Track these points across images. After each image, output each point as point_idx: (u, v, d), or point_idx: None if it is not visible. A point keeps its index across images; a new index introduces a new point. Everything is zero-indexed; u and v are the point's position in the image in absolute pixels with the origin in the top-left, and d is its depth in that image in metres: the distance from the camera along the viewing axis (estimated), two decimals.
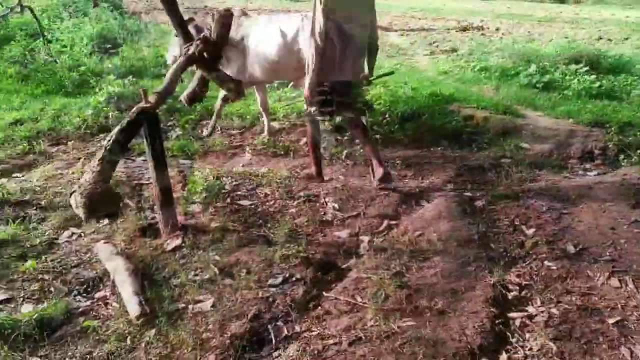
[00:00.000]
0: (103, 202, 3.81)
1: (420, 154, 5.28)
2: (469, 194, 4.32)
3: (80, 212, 3.84)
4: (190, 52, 4.00)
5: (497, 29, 14.17)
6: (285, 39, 5.00)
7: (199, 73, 4.77)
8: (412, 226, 3.79)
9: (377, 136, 5.62)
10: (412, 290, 3.05)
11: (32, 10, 8.06)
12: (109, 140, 3.59)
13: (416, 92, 6.31)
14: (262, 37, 5.09)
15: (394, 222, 3.91)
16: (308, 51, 4.19)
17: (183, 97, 4.84)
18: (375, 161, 4.43)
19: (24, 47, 8.56)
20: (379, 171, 4.39)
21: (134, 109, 3.54)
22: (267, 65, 5.07)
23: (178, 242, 3.57)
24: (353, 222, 3.94)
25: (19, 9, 8.50)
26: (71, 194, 3.87)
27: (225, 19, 4.26)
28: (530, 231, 3.71)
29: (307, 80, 4.20)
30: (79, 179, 4.50)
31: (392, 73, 5.15)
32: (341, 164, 5.02)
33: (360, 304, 2.97)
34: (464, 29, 14.32)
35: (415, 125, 5.62)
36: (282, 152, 5.29)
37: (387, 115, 5.79)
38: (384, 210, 4.05)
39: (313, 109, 4.32)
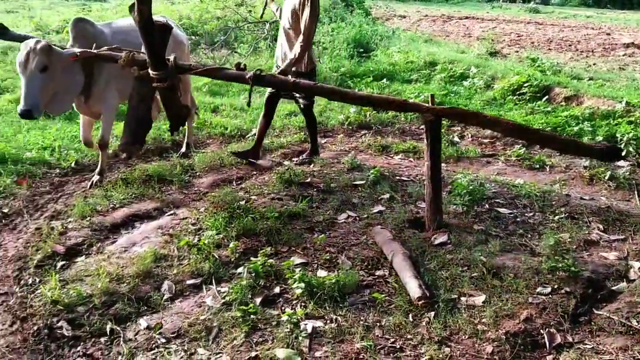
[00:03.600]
0: None
1: None
2: None
3: None
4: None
5: None
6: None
7: (131, 114, 4.36)
8: None
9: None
10: None
11: None
12: None
13: None
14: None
15: None
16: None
17: (122, 147, 4.45)
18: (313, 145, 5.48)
19: None
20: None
21: None
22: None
23: (444, 238, 3.84)
24: (620, 245, 3.83)
25: None
26: None
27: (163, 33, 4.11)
28: None
29: (291, 63, 4.69)
30: (350, 169, 5.07)
31: None
32: (602, 184, 4.86)
33: (637, 327, 2.92)
34: None
35: None
36: (538, 166, 5.28)
37: None
38: None
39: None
